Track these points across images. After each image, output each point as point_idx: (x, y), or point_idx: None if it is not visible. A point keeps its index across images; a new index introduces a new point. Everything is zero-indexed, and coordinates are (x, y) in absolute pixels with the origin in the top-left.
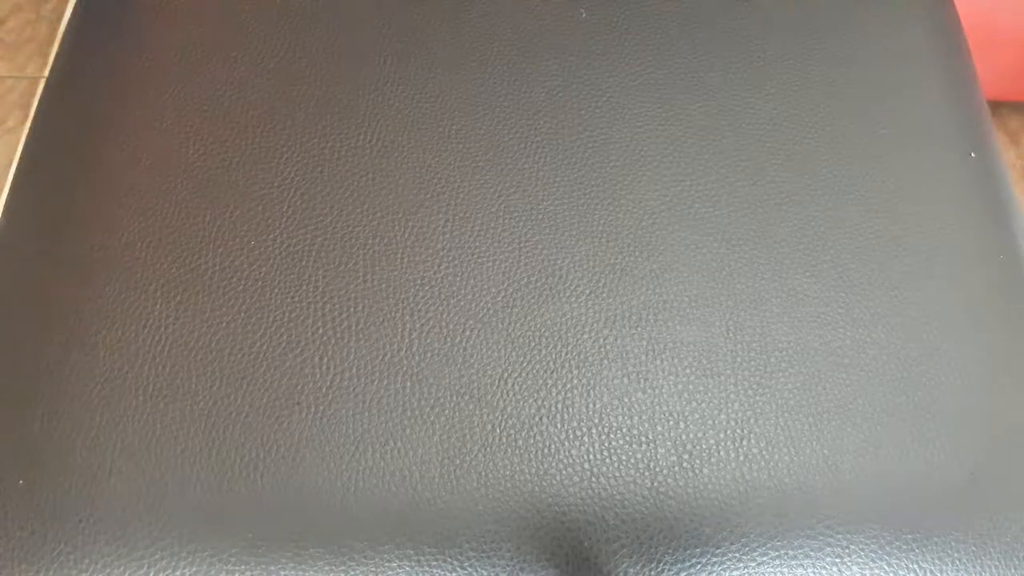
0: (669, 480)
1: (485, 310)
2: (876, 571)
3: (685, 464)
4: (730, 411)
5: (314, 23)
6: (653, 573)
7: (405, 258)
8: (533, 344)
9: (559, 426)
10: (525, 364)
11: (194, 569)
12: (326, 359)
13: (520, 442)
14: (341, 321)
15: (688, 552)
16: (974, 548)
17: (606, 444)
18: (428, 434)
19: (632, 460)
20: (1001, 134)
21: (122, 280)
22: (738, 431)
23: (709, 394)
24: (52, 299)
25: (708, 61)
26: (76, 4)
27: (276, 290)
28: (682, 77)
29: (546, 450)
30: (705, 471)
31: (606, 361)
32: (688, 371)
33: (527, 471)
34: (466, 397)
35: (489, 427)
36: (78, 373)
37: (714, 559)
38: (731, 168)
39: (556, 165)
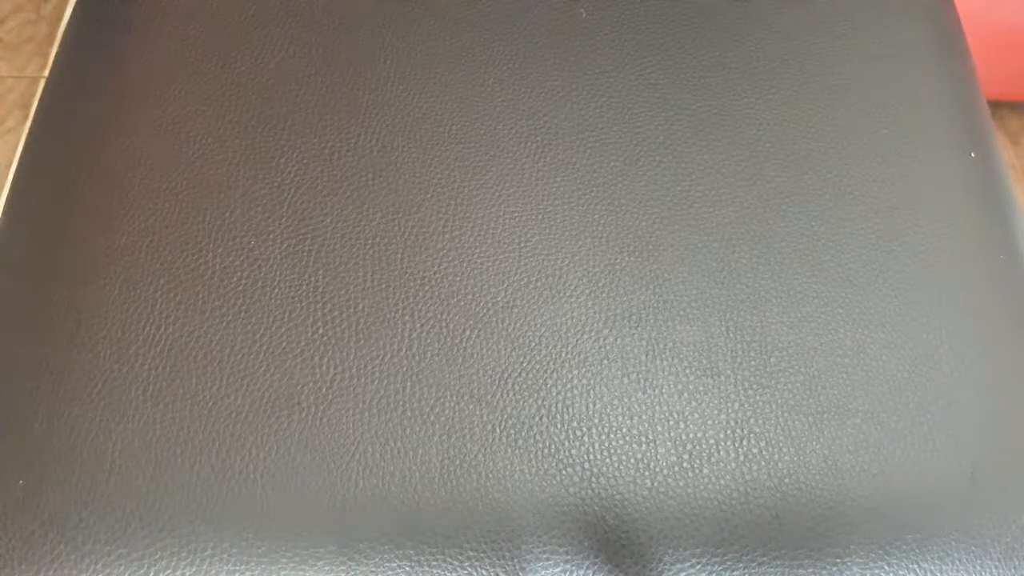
0: (669, 480)
1: (485, 310)
2: (876, 571)
3: (685, 464)
4: (730, 411)
5: (314, 23)
6: (653, 573)
7: (405, 258)
8: (533, 344)
9: (559, 426)
10: (525, 364)
11: (194, 569)
12: (326, 359)
13: (520, 442)
14: (341, 321)
15: (688, 552)
16: (974, 548)
17: (606, 444)
18: (428, 434)
19: (632, 460)
20: (1001, 134)
21: (122, 280)
22: (738, 431)
23: (709, 394)
24: (52, 299)
25: (708, 61)
26: (76, 4)
27: (276, 290)
28: (682, 77)
29: (546, 450)
30: (705, 471)
31: (606, 361)
32: (688, 371)
33: (527, 471)
34: (466, 397)
35: (489, 427)
36: (78, 373)
37: (714, 559)
38: (731, 168)
39: (556, 165)
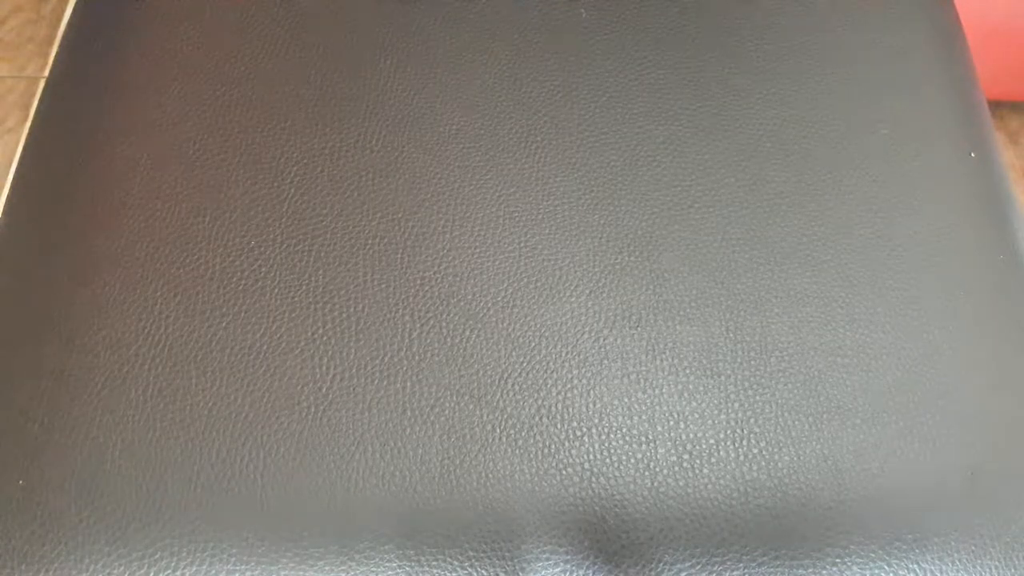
0: (669, 480)
1: (485, 310)
2: (876, 571)
3: (685, 464)
4: (730, 411)
5: (314, 23)
6: (653, 573)
7: (405, 258)
8: (533, 344)
9: (559, 426)
10: (525, 364)
11: (194, 569)
12: (326, 359)
13: (520, 442)
14: (341, 321)
15: (688, 552)
16: (974, 548)
17: (606, 444)
18: (428, 434)
19: (632, 460)
20: (1001, 134)
21: (122, 280)
22: (738, 431)
23: (709, 394)
24: (52, 299)
25: (708, 61)
26: (76, 4)
27: (276, 290)
28: (682, 77)
29: (546, 450)
30: (705, 471)
31: (606, 361)
32: (688, 371)
33: (527, 471)
34: (466, 397)
35: (489, 427)
36: (78, 373)
37: (714, 559)
38: (731, 168)
39: (556, 165)
